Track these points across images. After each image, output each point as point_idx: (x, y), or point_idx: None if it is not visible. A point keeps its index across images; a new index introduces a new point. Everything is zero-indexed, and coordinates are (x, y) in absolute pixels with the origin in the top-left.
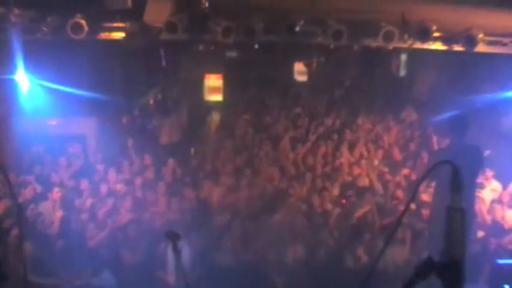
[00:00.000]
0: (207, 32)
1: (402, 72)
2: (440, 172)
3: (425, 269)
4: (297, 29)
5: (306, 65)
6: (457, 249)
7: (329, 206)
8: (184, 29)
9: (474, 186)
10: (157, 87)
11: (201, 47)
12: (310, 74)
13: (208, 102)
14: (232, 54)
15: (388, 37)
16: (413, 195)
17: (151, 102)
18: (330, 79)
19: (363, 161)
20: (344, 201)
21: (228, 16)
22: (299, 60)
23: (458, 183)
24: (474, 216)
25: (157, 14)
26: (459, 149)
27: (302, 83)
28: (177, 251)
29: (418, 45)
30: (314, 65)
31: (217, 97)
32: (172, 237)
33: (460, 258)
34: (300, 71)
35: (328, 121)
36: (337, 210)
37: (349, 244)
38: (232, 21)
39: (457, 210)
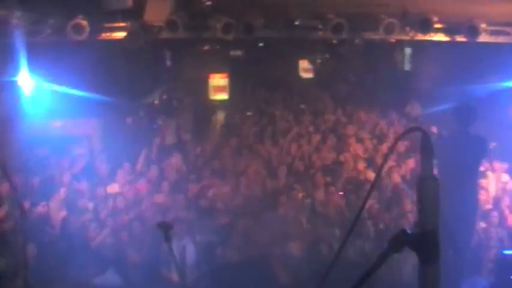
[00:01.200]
0: (207, 30)
1: (407, 66)
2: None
3: (398, 241)
4: (297, 23)
5: (310, 61)
6: (430, 219)
7: (334, 201)
8: (184, 27)
9: (476, 175)
10: (162, 87)
11: (206, 47)
12: (315, 71)
13: (213, 101)
14: (237, 53)
15: (389, 29)
16: (381, 165)
17: (156, 102)
18: (335, 75)
19: (367, 156)
20: (342, 193)
21: (228, 13)
22: (304, 57)
23: (429, 149)
24: (477, 206)
25: (157, 12)
26: (462, 138)
27: (307, 80)
28: (169, 241)
29: (419, 36)
30: (318, 61)
31: (223, 96)
32: (164, 227)
33: (434, 229)
34: (305, 68)
35: (333, 117)
36: (342, 204)
37: (352, 239)
38: (232, 18)
39: (429, 178)
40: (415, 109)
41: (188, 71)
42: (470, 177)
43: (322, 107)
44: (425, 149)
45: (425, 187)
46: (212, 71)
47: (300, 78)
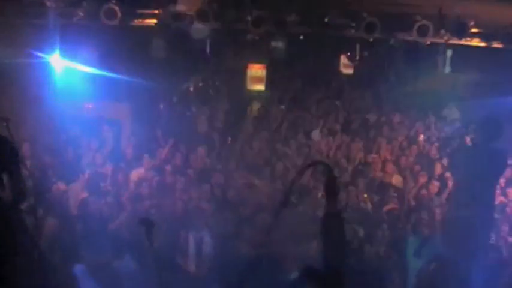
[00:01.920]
0: (238, 21)
1: (447, 69)
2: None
3: (302, 278)
4: (327, 20)
5: (348, 58)
6: (335, 258)
7: (354, 202)
8: (215, 18)
9: (494, 190)
10: (198, 74)
11: (246, 36)
12: (355, 67)
13: (250, 92)
14: (278, 44)
15: (423, 31)
16: (285, 196)
17: (191, 89)
18: (375, 73)
19: (395, 159)
20: (366, 196)
21: (260, 6)
22: (344, 53)
23: (334, 186)
24: (493, 221)
25: (190, 1)
26: (483, 152)
27: (346, 76)
28: (150, 238)
29: (454, 40)
30: (357, 58)
31: (260, 87)
32: (147, 224)
33: (339, 267)
34: (346, 64)
35: (368, 115)
36: (362, 206)
37: (371, 240)
38: (264, 11)
39: (332, 215)
40: (453, 113)
41: (227, 60)
42: (487, 192)
43: (358, 105)
44: (330, 185)
45: (328, 224)
46: (251, 61)
47: (339, 73)
